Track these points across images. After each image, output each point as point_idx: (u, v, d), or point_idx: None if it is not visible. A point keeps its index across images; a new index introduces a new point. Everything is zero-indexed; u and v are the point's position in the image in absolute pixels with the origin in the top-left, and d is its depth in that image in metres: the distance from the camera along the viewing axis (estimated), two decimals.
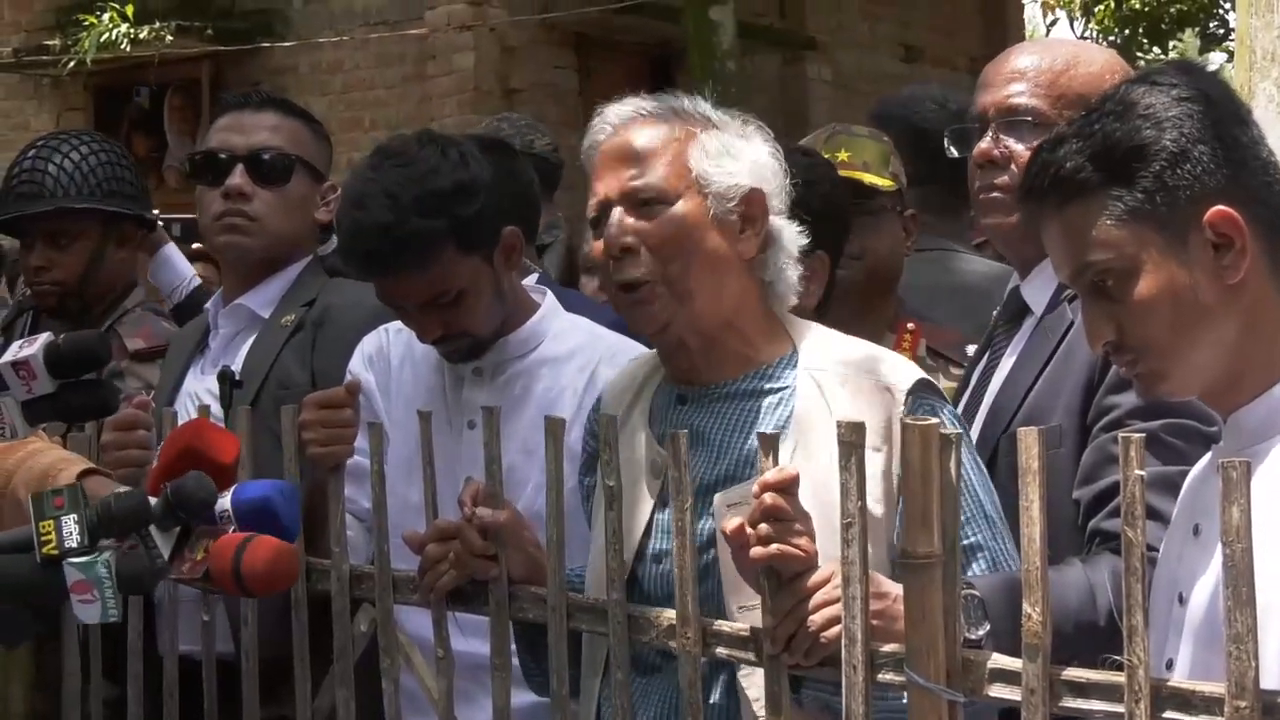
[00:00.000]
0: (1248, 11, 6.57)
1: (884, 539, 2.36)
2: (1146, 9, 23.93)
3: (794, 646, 2.21)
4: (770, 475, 2.20)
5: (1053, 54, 2.83)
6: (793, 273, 2.59)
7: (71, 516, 2.23)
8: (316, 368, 3.44)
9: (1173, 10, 24.05)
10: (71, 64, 11.82)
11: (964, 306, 3.75)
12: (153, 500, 2.33)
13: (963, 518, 2.21)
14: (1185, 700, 1.84)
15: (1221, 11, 23.83)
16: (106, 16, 11.69)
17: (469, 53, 11.43)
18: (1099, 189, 2.04)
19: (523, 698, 2.76)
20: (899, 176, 3.60)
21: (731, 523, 2.23)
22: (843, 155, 3.48)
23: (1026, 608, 1.94)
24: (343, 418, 2.96)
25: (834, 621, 2.16)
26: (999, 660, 2.02)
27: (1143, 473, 1.84)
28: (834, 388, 2.48)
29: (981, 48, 13.57)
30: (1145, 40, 24.14)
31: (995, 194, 2.80)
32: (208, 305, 3.78)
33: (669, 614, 2.38)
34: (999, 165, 2.78)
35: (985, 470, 2.53)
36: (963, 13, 15.02)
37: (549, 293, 3.34)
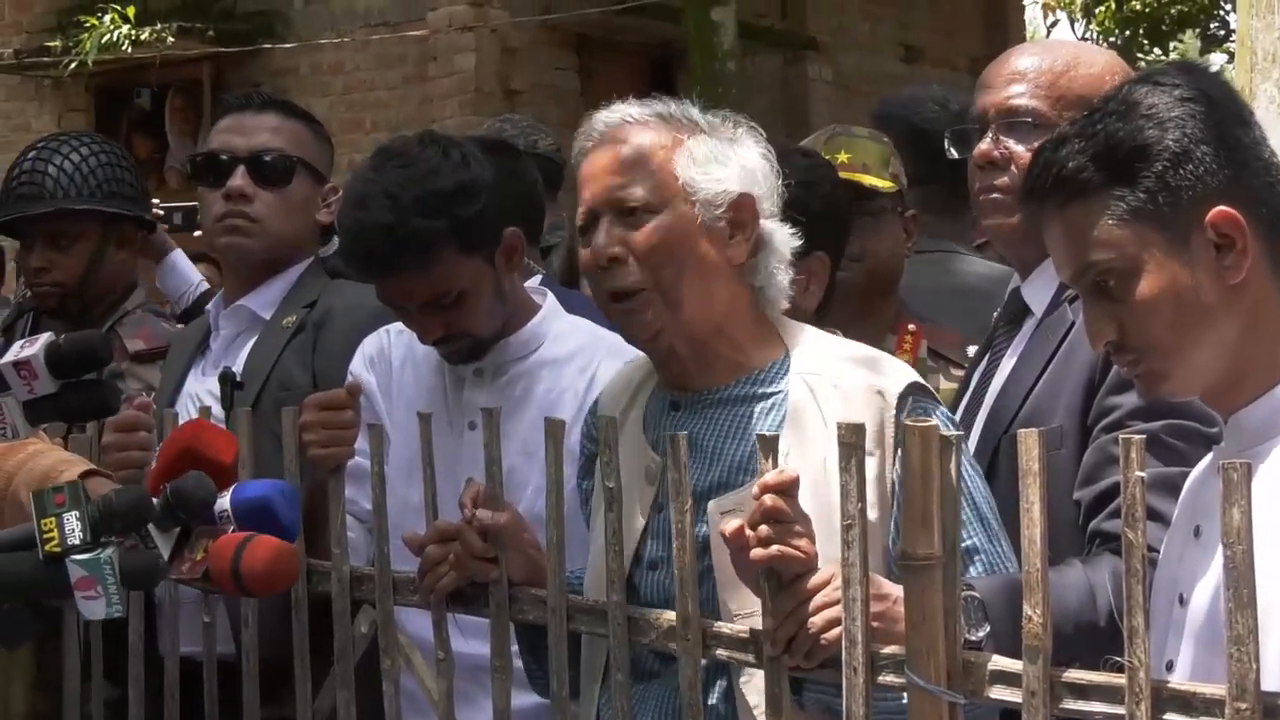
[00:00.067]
0: (1248, 13, 6.58)
1: (879, 543, 2.36)
2: (1147, 10, 23.93)
3: (794, 648, 2.21)
4: (770, 477, 2.19)
5: (1053, 55, 2.83)
6: (784, 277, 2.58)
7: (73, 513, 2.23)
8: (317, 369, 3.44)
9: (1173, 11, 24.04)
10: (73, 65, 11.82)
11: (966, 308, 3.74)
12: (153, 500, 2.33)
13: None
14: (1186, 702, 1.84)
15: (1222, 13, 23.83)
16: (108, 18, 11.68)
17: (470, 54, 11.43)
18: (1101, 189, 2.04)
19: (523, 699, 2.76)
20: (899, 178, 3.60)
21: (731, 524, 2.23)
22: (843, 156, 3.48)
23: (1027, 609, 1.94)
24: (343, 419, 2.96)
25: (834, 623, 2.16)
26: (999, 662, 2.02)
27: (1143, 474, 1.84)
28: (826, 391, 2.48)
29: (982, 49, 13.57)
30: (1146, 41, 24.13)
31: (995, 195, 2.80)
32: (208, 306, 3.78)
33: (669, 615, 2.38)
34: (999, 166, 2.78)
35: (981, 473, 2.53)
36: (963, 14, 15.01)
37: (549, 294, 3.34)
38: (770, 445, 2.23)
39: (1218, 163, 2.03)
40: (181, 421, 3.12)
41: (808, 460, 2.39)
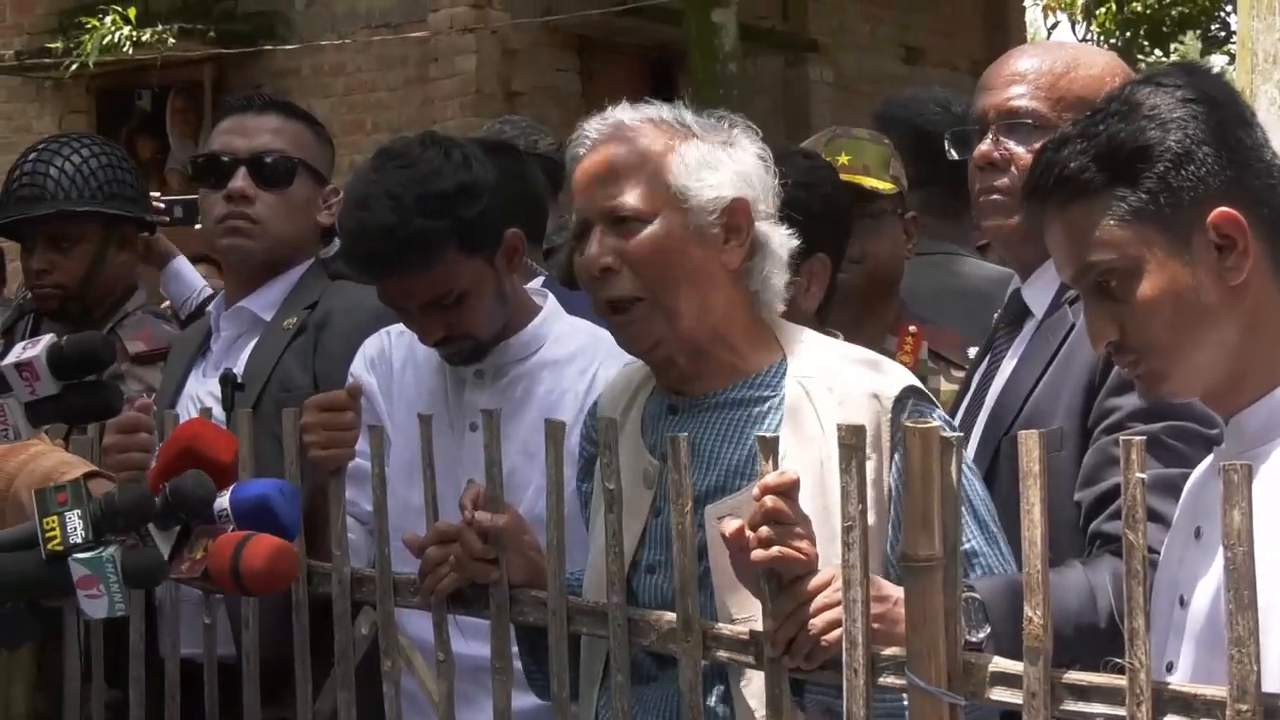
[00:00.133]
0: (1249, 14, 6.57)
1: (876, 547, 2.35)
2: (1148, 12, 23.92)
3: (795, 650, 2.21)
4: (771, 479, 2.19)
5: (1053, 57, 2.83)
6: (780, 279, 2.57)
7: (75, 512, 2.22)
8: (318, 370, 3.44)
9: (1174, 13, 24.03)
10: (74, 67, 11.82)
11: (967, 310, 3.74)
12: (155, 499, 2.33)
13: None
14: (1187, 703, 1.83)
15: (1223, 14, 23.81)
16: (109, 19, 11.68)
17: (471, 55, 11.43)
18: (1103, 189, 2.04)
19: (524, 701, 2.76)
20: (900, 179, 3.60)
21: (731, 525, 2.23)
22: (843, 158, 3.48)
23: (1027, 611, 1.94)
24: (344, 420, 2.96)
25: (835, 625, 2.16)
26: (1000, 663, 2.02)
27: (1143, 475, 1.84)
28: (822, 395, 2.47)
29: (983, 50, 13.57)
30: (1146, 43, 24.12)
31: (995, 196, 2.80)
32: (209, 308, 3.78)
33: (669, 617, 2.37)
34: (999, 167, 2.78)
35: (979, 477, 2.52)
36: (964, 15, 15.02)
37: (550, 295, 3.34)
38: (770, 447, 2.23)
39: (1219, 164, 2.03)
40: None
41: (805, 463, 2.39)
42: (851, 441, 2.12)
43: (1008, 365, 2.80)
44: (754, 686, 2.36)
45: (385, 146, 3.20)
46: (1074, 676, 1.94)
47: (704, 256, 2.51)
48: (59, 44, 12.11)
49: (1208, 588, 2.00)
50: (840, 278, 3.16)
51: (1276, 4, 6.41)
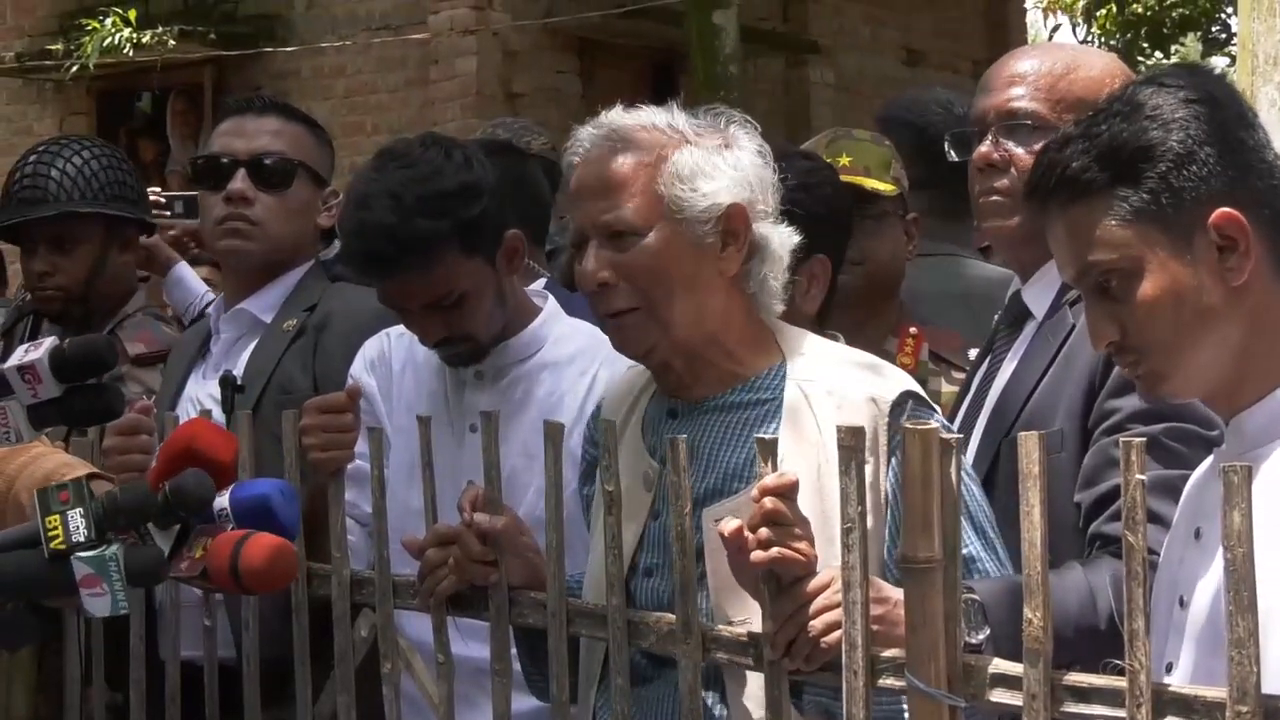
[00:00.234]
0: (1250, 16, 6.57)
1: (873, 550, 2.34)
2: (1148, 13, 23.91)
3: (794, 652, 2.20)
4: (770, 480, 2.19)
5: (1053, 58, 2.83)
6: (778, 281, 2.56)
7: (77, 511, 2.22)
8: (318, 372, 3.44)
9: (1174, 14, 24.01)
10: (74, 69, 11.82)
11: (969, 312, 3.74)
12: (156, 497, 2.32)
13: None
14: (1187, 705, 1.83)
15: (1224, 16, 23.79)
16: (109, 21, 11.69)
17: (471, 57, 11.43)
18: (1105, 189, 2.04)
19: (523, 703, 2.76)
20: (900, 181, 3.60)
21: (730, 525, 2.23)
22: (844, 159, 3.48)
23: (1027, 612, 1.93)
24: (343, 422, 2.96)
25: (834, 626, 2.16)
26: (1000, 665, 2.02)
27: (1143, 477, 1.84)
28: (820, 398, 2.47)
29: (984, 52, 13.56)
30: (1147, 45, 24.11)
31: (995, 198, 2.79)
32: (209, 310, 3.78)
33: (669, 619, 2.37)
34: (999, 169, 2.78)
35: (977, 481, 2.52)
36: (965, 17, 15.01)
37: (550, 297, 3.34)
38: (769, 449, 2.23)
39: (1221, 164, 2.04)
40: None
41: (803, 466, 2.38)
42: (850, 443, 2.12)
43: (1008, 367, 2.79)
44: (750, 690, 2.36)
45: (386, 147, 3.20)
46: (1074, 678, 1.93)
47: (700, 265, 2.50)
48: (59, 46, 12.12)
49: (1207, 588, 2.00)
50: (841, 279, 3.16)
51: (1277, 6, 6.42)
